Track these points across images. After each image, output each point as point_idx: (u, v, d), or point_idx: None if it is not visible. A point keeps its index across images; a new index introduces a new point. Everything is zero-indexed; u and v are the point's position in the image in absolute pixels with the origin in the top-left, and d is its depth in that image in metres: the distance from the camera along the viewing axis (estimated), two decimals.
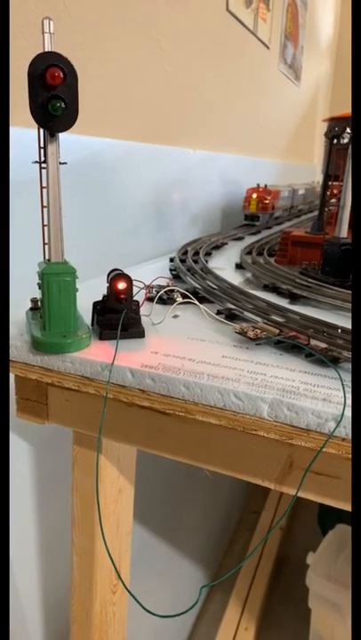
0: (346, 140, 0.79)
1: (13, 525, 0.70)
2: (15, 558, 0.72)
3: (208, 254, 0.84)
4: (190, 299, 0.55)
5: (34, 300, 0.49)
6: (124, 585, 0.44)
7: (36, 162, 0.40)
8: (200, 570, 1.43)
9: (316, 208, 1.42)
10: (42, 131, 0.38)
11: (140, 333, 0.46)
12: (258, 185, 1.14)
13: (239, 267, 0.77)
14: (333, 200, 0.81)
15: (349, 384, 0.37)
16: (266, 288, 0.64)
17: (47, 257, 0.42)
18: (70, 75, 0.36)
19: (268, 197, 1.12)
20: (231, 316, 0.51)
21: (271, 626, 1.41)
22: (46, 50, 0.36)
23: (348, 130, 0.77)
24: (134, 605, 0.49)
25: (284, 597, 1.50)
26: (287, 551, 1.66)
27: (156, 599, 1.14)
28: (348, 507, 0.39)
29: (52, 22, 0.36)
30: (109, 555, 0.57)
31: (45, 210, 0.40)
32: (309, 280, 0.66)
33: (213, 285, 0.61)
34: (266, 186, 1.14)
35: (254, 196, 1.11)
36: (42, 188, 0.40)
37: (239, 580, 1.48)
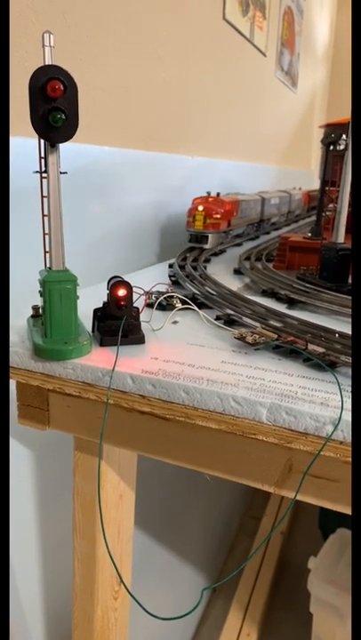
0: (342, 147, 0.80)
1: (15, 531, 0.70)
2: (17, 564, 0.72)
3: (207, 260, 0.84)
4: (189, 305, 0.55)
5: (35, 308, 0.49)
6: (126, 587, 0.44)
7: (36, 172, 0.40)
8: (201, 575, 1.43)
9: (296, 220, 1.41)
10: (42, 141, 0.39)
11: (140, 339, 0.46)
12: (208, 193, 0.90)
13: (238, 272, 0.77)
14: (331, 206, 0.82)
15: (347, 388, 0.38)
16: (264, 293, 0.65)
17: (48, 265, 0.43)
18: (70, 87, 0.37)
19: (221, 210, 0.85)
20: (230, 322, 0.51)
21: (273, 631, 1.40)
22: (47, 63, 0.37)
23: (345, 136, 0.78)
24: (136, 611, 0.49)
25: (285, 602, 1.49)
26: (288, 556, 1.65)
27: (157, 605, 1.13)
28: (347, 510, 0.39)
29: (52, 36, 0.36)
30: (112, 560, 0.58)
31: (46, 219, 0.41)
32: (307, 285, 0.66)
33: (212, 291, 0.62)
34: (219, 194, 0.90)
35: (200, 208, 0.84)
36: (43, 197, 0.41)
37: (241, 586, 1.47)
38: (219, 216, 0.85)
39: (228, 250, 0.98)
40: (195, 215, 0.85)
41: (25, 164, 0.54)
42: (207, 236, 0.85)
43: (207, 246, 0.85)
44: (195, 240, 0.86)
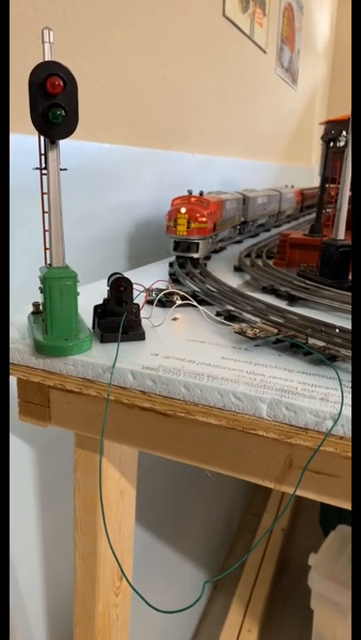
0: (342, 143, 0.80)
1: (16, 527, 0.70)
2: (18, 560, 0.72)
3: (207, 257, 0.84)
4: (189, 301, 0.55)
5: (35, 304, 0.50)
6: (128, 582, 0.44)
7: (36, 168, 0.40)
8: (202, 572, 1.43)
9: (287, 220, 1.36)
10: (42, 138, 0.39)
11: (140, 336, 0.47)
12: (190, 192, 0.78)
13: (238, 269, 0.77)
14: (331, 203, 0.82)
15: (347, 383, 0.38)
16: (264, 290, 0.65)
17: (49, 262, 0.43)
18: (70, 83, 0.37)
19: (205, 212, 0.74)
20: (230, 318, 0.51)
21: (274, 627, 1.41)
22: (46, 59, 0.37)
23: (345, 133, 0.78)
24: (137, 607, 0.49)
25: (286, 598, 1.50)
26: (289, 552, 1.66)
27: (158, 601, 1.14)
28: (347, 505, 0.39)
29: (51, 32, 0.36)
30: (114, 555, 0.58)
31: (46, 215, 0.41)
32: (307, 282, 0.66)
33: (212, 288, 0.62)
34: (202, 193, 0.78)
35: (183, 210, 0.72)
36: (43, 194, 0.41)
37: (242, 582, 1.48)
38: (205, 219, 0.73)
39: (228, 247, 0.98)
40: (176, 219, 0.72)
41: (25, 162, 0.54)
42: (196, 244, 0.74)
43: (197, 255, 0.74)
44: (181, 248, 0.74)
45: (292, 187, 1.47)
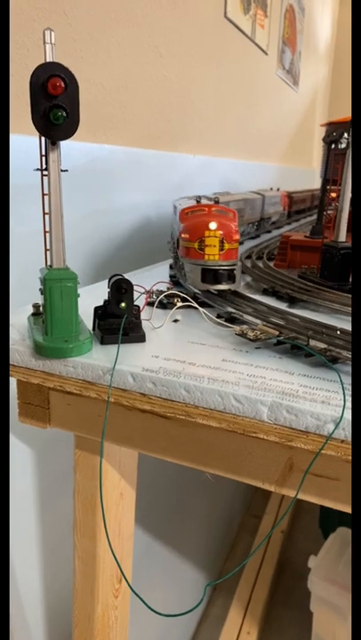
0: (344, 145, 0.80)
1: (16, 529, 0.70)
2: (17, 562, 0.72)
3: None
4: (190, 302, 0.55)
5: (36, 306, 0.49)
6: (128, 584, 0.44)
7: (37, 169, 0.40)
8: (202, 574, 1.43)
9: (268, 229, 1.17)
10: (43, 139, 0.39)
11: (140, 338, 0.46)
12: (198, 200, 0.64)
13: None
14: (332, 204, 0.82)
15: (348, 386, 0.38)
16: (265, 292, 0.65)
17: (49, 263, 0.43)
18: (71, 84, 0.37)
19: (236, 227, 0.58)
20: (231, 320, 0.51)
21: (273, 629, 1.41)
22: (48, 60, 0.37)
23: (346, 135, 0.78)
24: (136, 609, 0.49)
25: (285, 601, 1.49)
26: (289, 555, 1.65)
27: (158, 603, 1.13)
28: (347, 508, 0.39)
29: (53, 33, 0.36)
30: (114, 557, 0.58)
31: (47, 216, 0.41)
32: (308, 284, 0.66)
33: (213, 290, 0.62)
34: (218, 201, 0.63)
35: (213, 226, 0.55)
36: (43, 195, 0.41)
37: (241, 584, 1.47)
38: (238, 237, 0.57)
39: None
40: (203, 238, 0.54)
41: (25, 163, 0.54)
42: (233, 272, 0.56)
43: (234, 286, 0.57)
44: (213, 279, 0.56)
45: (278, 189, 1.31)
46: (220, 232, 0.55)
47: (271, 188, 1.31)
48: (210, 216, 0.58)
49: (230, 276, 0.56)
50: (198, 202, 0.62)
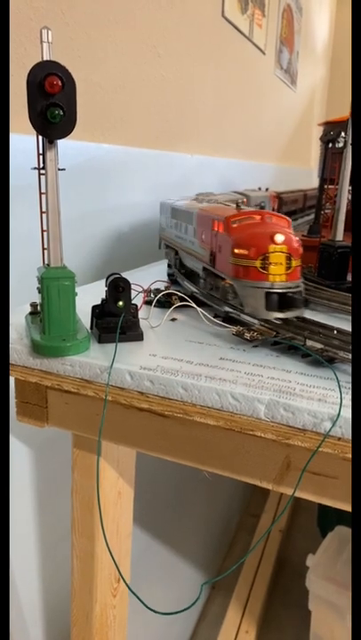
0: (341, 144, 0.80)
1: (14, 528, 0.70)
2: (16, 561, 0.72)
3: None
4: (188, 302, 0.55)
5: (33, 305, 0.49)
6: (126, 583, 0.44)
7: (35, 168, 0.40)
8: (200, 573, 1.43)
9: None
10: (40, 138, 0.39)
11: (138, 336, 0.46)
12: (238, 205, 0.54)
13: None
14: (329, 203, 0.82)
15: (345, 384, 0.38)
16: None
17: (46, 262, 0.43)
18: (68, 83, 0.37)
19: (295, 237, 0.49)
20: (228, 319, 0.51)
21: (272, 628, 1.41)
22: (45, 59, 0.37)
23: (343, 134, 0.78)
24: (134, 608, 0.49)
25: (284, 600, 1.50)
26: (287, 554, 1.66)
27: (156, 602, 1.14)
28: (346, 507, 0.39)
29: (50, 32, 0.36)
30: (111, 557, 0.58)
31: (44, 215, 0.41)
32: (306, 283, 0.66)
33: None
34: (239, 205, 0.54)
35: (280, 238, 0.46)
36: (41, 194, 0.41)
37: (239, 583, 1.48)
38: (301, 251, 0.48)
39: None
40: (267, 255, 0.46)
41: (23, 162, 0.54)
42: (301, 294, 0.48)
43: (300, 312, 0.48)
44: (280, 304, 0.47)
45: (267, 189, 1.21)
46: (286, 247, 0.46)
47: (260, 188, 1.22)
48: (269, 226, 0.48)
49: (299, 300, 0.47)
50: (239, 207, 0.52)
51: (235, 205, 0.55)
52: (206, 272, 0.55)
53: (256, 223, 0.49)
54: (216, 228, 0.51)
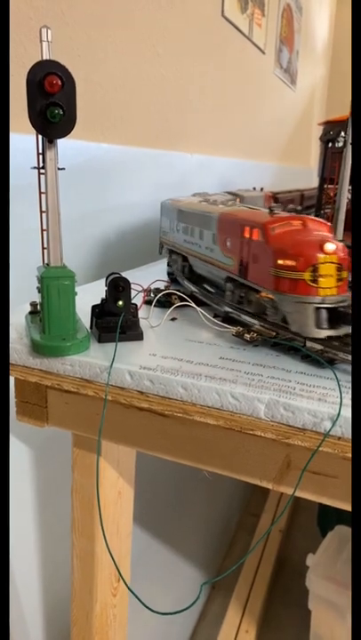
0: (341, 144, 0.80)
1: (13, 528, 0.70)
2: (15, 560, 0.72)
3: None
4: (188, 302, 0.55)
5: (33, 304, 0.49)
6: (125, 583, 0.44)
7: (34, 167, 0.40)
8: (200, 573, 1.43)
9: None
10: (40, 137, 0.39)
11: (138, 336, 0.46)
12: (271, 210, 0.48)
13: None
14: (329, 203, 0.82)
15: (345, 384, 0.38)
16: None
17: (46, 261, 0.43)
18: (68, 82, 0.37)
19: (342, 245, 0.45)
20: (228, 319, 0.51)
21: (272, 628, 1.41)
22: (44, 58, 0.37)
23: (343, 133, 0.78)
24: (135, 608, 0.49)
25: (284, 599, 1.50)
26: (287, 553, 1.66)
27: (156, 602, 1.14)
28: (346, 506, 0.39)
29: (49, 31, 0.36)
30: (111, 556, 0.58)
31: (44, 215, 0.41)
32: None
33: (211, 289, 0.62)
34: (272, 209, 0.48)
35: (330, 247, 0.42)
36: (41, 193, 0.41)
37: (239, 583, 1.47)
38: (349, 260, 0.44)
39: None
40: (317, 266, 0.41)
41: (23, 161, 0.54)
42: (348, 306, 0.43)
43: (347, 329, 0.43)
44: (331, 320, 0.42)
45: (262, 189, 1.16)
46: (337, 258, 0.41)
47: (254, 188, 1.17)
48: (315, 233, 0.43)
49: (349, 315, 0.41)
50: (272, 211, 0.48)
51: (267, 210, 0.49)
52: (234, 283, 0.51)
53: (299, 230, 0.44)
54: (248, 235, 0.46)
